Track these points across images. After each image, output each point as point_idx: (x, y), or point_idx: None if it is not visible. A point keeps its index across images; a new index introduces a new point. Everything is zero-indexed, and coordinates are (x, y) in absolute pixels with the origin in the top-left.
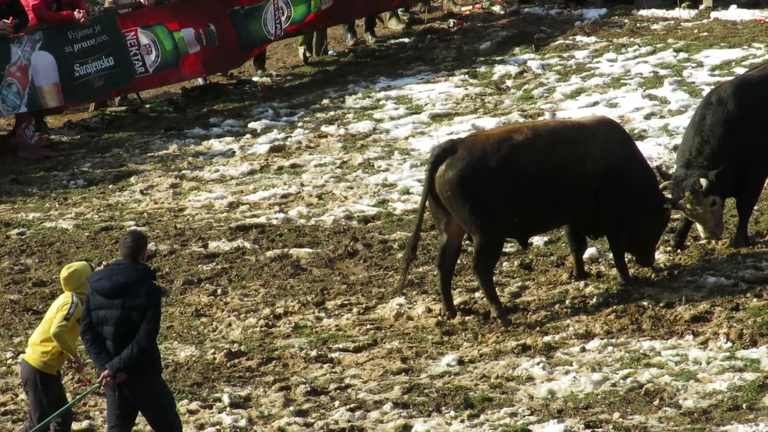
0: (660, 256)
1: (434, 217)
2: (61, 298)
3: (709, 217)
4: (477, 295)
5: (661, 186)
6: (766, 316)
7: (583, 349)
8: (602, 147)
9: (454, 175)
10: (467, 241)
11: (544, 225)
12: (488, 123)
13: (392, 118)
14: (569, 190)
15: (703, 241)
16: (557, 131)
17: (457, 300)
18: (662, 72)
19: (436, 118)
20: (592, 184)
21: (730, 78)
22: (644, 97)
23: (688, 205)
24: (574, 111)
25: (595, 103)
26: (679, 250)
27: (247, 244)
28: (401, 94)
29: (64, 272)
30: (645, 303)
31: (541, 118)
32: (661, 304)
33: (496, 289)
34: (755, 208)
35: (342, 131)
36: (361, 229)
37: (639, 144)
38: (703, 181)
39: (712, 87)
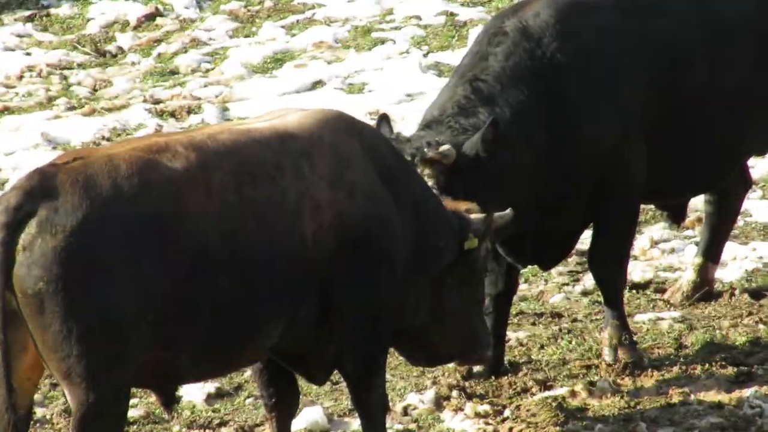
0: None
1: None
2: None
3: None
4: None
5: None
6: None
7: None
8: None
9: (62, 243)
10: None
11: (225, 350)
12: (79, 126)
13: None
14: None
15: None
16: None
17: None
18: (465, 14)
19: None
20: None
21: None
22: None
23: None
24: (271, 99)
25: (317, 84)
26: None
27: None
28: None
29: None
30: None
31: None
32: None
33: None
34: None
35: None
36: None
37: None
38: (446, 147)
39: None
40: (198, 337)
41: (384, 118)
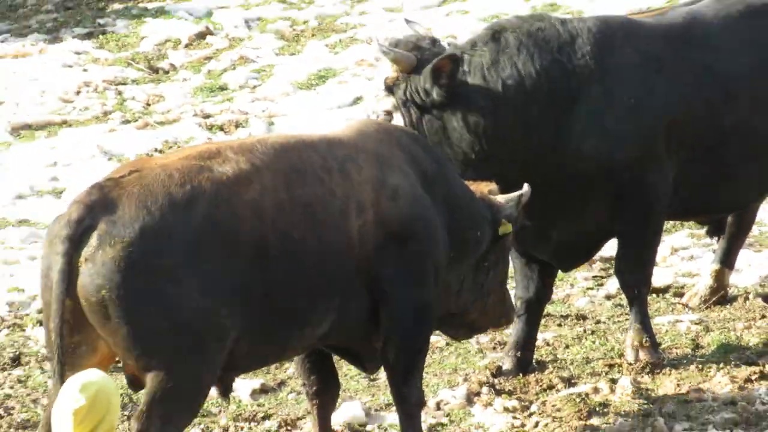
0: None
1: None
2: None
3: None
4: None
5: None
6: None
7: None
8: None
9: (121, 253)
10: None
11: (285, 340)
12: (133, 139)
13: None
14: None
15: None
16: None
17: None
18: None
19: (22, 131)
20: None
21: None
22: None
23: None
24: (314, 114)
25: (358, 100)
26: None
27: None
28: None
29: (79, 396)
30: None
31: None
32: None
33: None
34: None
35: None
36: None
37: None
38: (407, 54)
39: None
40: (255, 327)
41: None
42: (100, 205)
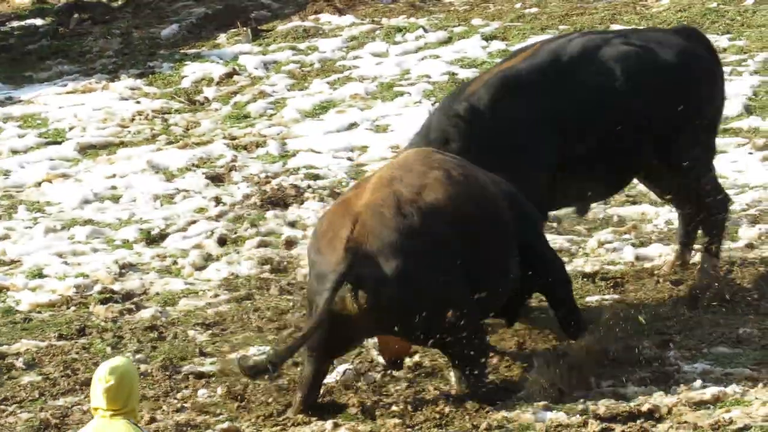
0: None
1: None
2: None
3: None
4: None
5: None
6: None
7: None
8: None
9: (389, 291)
10: None
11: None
12: (175, 156)
13: (15, 151)
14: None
15: None
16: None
17: None
18: (464, 74)
19: (88, 150)
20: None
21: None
22: None
23: None
24: (318, 137)
25: (352, 125)
26: None
27: None
28: (29, 111)
29: (109, 377)
30: None
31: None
32: None
33: None
34: None
35: None
36: None
37: None
38: None
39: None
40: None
41: None
42: (358, 263)
